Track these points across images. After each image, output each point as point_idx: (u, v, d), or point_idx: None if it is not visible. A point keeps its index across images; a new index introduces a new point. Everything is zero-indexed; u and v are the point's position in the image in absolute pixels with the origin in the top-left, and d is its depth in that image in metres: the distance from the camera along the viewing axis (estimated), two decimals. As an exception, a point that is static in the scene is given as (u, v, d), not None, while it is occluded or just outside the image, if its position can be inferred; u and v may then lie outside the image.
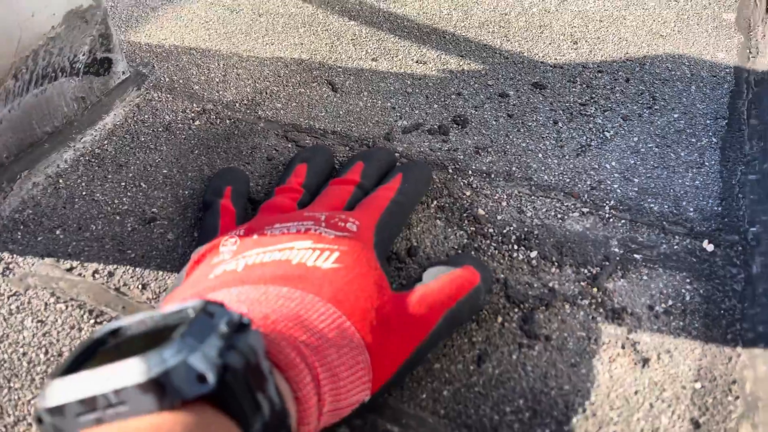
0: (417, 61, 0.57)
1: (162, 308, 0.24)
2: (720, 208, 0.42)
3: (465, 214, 0.42)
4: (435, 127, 0.50)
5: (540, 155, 0.47)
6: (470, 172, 0.46)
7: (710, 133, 0.48)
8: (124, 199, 0.44)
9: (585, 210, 0.43)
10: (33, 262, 0.39)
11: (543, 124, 0.50)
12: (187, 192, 0.44)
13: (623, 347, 0.34)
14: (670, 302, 0.37)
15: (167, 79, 0.55)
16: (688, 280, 0.38)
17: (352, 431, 0.31)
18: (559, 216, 0.42)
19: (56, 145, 0.47)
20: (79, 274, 0.39)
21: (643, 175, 0.45)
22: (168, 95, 0.53)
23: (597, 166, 0.46)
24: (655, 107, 0.51)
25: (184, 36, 0.61)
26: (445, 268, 0.35)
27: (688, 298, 0.37)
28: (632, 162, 0.46)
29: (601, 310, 0.36)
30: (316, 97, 0.53)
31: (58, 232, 0.41)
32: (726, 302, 0.37)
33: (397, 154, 0.47)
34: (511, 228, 0.41)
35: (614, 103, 0.52)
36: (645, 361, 0.34)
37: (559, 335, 0.35)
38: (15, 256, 0.40)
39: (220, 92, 0.54)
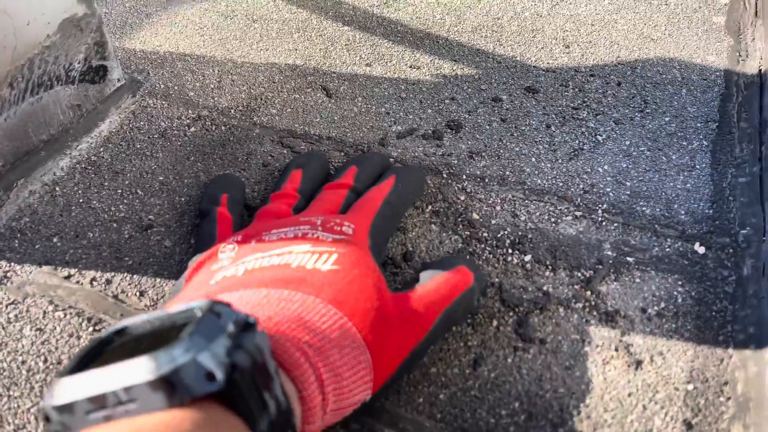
0: (411, 66, 0.58)
1: (167, 308, 0.24)
2: (711, 211, 0.43)
3: (459, 219, 0.43)
4: (429, 132, 0.50)
5: (533, 159, 0.48)
6: (464, 176, 0.46)
7: (701, 137, 0.49)
8: (121, 206, 0.44)
9: (578, 214, 0.43)
10: (31, 270, 0.40)
11: (536, 128, 0.51)
12: (183, 199, 0.45)
13: (617, 350, 0.35)
14: (663, 304, 0.37)
15: (162, 86, 0.55)
16: (680, 283, 0.38)
17: (350, 436, 0.32)
18: (552, 220, 0.43)
19: (52, 153, 0.47)
20: (77, 282, 0.39)
21: (635, 179, 0.46)
22: (163, 102, 0.54)
23: (590, 170, 0.46)
24: (647, 111, 0.52)
25: (179, 42, 0.62)
26: (440, 270, 0.36)
27: (680, 300, 0.37)
28: (624, 165, 0.47)
29: (595, 313, 0.37)
30: (311, 103, 0.54)
31: (55, 239, 0.42)
32: (717, 304, 0.37)
33: (391, 159, 0.48)
34: (506, 232, 0.42)
35: (606, 107, 0.52)
36: (638, 363, 0.34)
37: (554, 338, 0.36)
38: (13, 264, 0.40)
39: (215, 98, 0.54)
